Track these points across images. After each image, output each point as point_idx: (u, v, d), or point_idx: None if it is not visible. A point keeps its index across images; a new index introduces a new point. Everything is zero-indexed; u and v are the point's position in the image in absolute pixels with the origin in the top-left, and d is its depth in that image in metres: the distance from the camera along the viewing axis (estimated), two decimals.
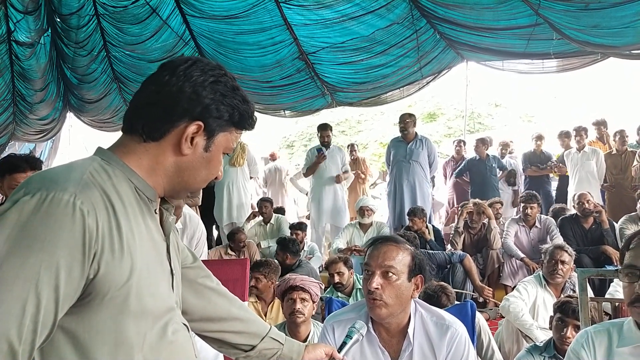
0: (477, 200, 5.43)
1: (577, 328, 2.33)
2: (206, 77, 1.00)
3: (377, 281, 1.68)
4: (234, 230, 5.51)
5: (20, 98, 7.61)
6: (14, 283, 0.80)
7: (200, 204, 5.83)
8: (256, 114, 1.12)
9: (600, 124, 6.97)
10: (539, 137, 7.10)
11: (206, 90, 1.00)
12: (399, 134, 6.03)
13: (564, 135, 6.91)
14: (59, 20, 6.75)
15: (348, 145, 8.32)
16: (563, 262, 3.39)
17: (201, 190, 5.30)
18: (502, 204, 5.42)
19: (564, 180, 6.87)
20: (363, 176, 7.65)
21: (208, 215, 6.34)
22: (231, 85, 1.04)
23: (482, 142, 6.93)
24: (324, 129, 6.30)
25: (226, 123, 1.03)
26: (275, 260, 4.07)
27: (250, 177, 6.76)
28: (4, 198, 2.72)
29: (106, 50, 7.20)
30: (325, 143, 6.23)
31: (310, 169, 6.26)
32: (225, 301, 1.33)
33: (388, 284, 1.69)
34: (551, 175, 7.11)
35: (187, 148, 1.00)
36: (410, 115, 6.04)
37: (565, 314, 2.46)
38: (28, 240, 0.82)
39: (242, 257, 5.24)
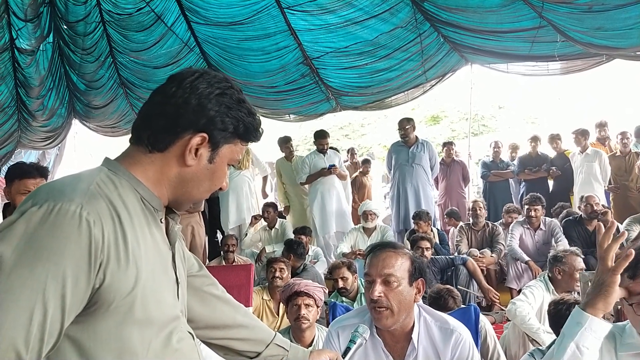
0: (474, 198, 5.60)
1: None
2: (212, 89, 1.01)
3: (379, 289, 1.68)
4: (227, 234, 5.47)
5: (23, 105, 7.66)
6: (22, 292, 0.81)
7: (203, 209, 5.84)
8: (260, 118, 1.13)
9: (604, 126, 6.95)
10: (534, 139, 7.04)
11: (211, 103, 1.00)
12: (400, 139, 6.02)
13: (556, 138, 6.94)
14: (65, 27, 6.80)
15: (348, 150, 8.26)
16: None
17: None
18: (519, 214, 5.43)
19: (559, 184, 6.82)
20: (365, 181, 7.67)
21: (212, 221, 6.35)
22: (237, 97, 1.04)
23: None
24: (322, 137, 6.19)
25: (231, 135, 1.04)
26: None
27: (262, 176, 6.72)
28: (10, 203, 2.74)
29: (112, 56, 7.24)
30: (322, 150, 6.17)
31: (312, 177, 6.10)
32: (230, 309, 1.34)
33: (390, 291, 1.69)
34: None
35: (191, 159, 1.01)
36: (409, 121, 6.01)
37: None
38: (35, 250, 0.83)
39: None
